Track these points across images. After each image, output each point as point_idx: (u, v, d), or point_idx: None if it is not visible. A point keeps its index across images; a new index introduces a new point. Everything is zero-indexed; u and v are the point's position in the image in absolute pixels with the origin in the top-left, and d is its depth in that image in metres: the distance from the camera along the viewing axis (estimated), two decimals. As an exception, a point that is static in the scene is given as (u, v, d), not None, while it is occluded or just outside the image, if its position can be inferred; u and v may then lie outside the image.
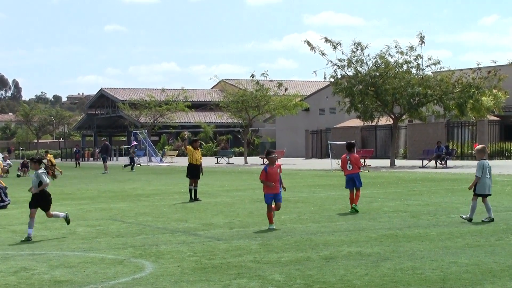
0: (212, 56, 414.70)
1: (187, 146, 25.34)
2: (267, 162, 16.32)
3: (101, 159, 54.47)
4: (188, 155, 24.80)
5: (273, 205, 16.03)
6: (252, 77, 61.75)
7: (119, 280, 10.35)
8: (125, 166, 57.11)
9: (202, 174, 24.99)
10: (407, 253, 12.07)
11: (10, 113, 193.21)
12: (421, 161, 48.25)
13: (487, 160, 16.66)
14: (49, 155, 46.84)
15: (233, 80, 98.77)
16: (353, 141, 20.50)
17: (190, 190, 24.44)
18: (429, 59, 48.81)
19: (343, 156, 19.85)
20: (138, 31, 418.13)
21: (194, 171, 24.56)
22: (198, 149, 24.92)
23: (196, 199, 24.18)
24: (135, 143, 63.85)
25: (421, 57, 48.64)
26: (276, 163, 16.14)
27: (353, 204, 18.96)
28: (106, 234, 15.78)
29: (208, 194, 27.02)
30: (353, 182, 19.31)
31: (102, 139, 68.79)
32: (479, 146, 17.06)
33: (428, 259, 11.48)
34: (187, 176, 24.77)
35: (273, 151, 16.52)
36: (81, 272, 11.05)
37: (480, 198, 16.56)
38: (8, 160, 51.44)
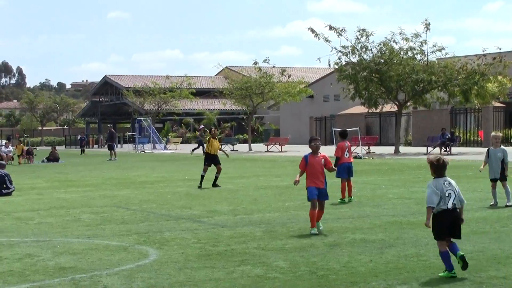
0: (215, 43, 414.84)
1: (209, 137, 25.83)
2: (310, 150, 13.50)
3: (107, 146, 54.32)
4: (209, 145, 25.34)
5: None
6: (255, 64, 61.64)
7: (123, 267, 10.37)
8: (193, 150, 57.12)
9: (227, 156, 26.62)
10: (411, 240, 12.07)
11: (15, 100, 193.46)
12: (425, 148, 48.17)
13: (501, 147, 16.87)
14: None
15: (237, 67, 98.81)
16: (348, 129, 20.18)
17: (202, 176, 24.63)
18: (434, 45, 48.71)
19: (342, 143, 18.90)
20: (142, 18, 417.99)
21: (210, 160, 24.96)
22: (216, 138, 25.44)
23: (214, 185, 24.44)
24: (202, 126, 62.90)
25: (426, 43, 48.52)
26: (321, 153, 13.42)
27: (350, 196, 18.52)
28: (111, 221, 15.80)
29: (212, 181, 27.00)
30: (349, 171, 18.70)
31: (108, 125, 68.77)
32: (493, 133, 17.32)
33: (432, 246, 11.44)
34: (205, 164, 25.05)
35: (317, 138, 13.71)
36: (85, 259, 11.06)
37: (500, 183, 16.71)
38: (10, 146, 51.44)
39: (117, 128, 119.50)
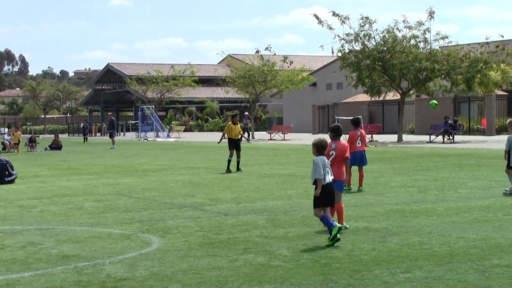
0: (218, 31, 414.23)
1: (228, 123, 27.15)
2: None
3: (108, 134, 54.38)
4: (226, 130, 26.74)
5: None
6: (257, 52, 61.55)
7: (126, 255, 10.37)
8: (241, 137, 56.31)
9: (249, 141, 26.02)
10: (414, 228, 12.06)
11: (17, 88, 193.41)
12: (428, 136, 48.13)
13: None
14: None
15: (240, 55, 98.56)
16: (360, 116, 20.01)
17: (229, 161, 25.88)
18: (437, 34, 48.58)
19: (354, 132, 18.64)
20: (144, 5, 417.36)
21: (233, 144, 26.26)
22: (237, 124, 26.81)
23: (238, 169, 25.58)
24: (247, 113, 62.45)
25: (429, 32, 48.41)
26: (342, 141, 12.55)
27: (361, 186, 18.37)
28: (113, 209, 15.81)
29: (215, 169, 27.04)
30: (361, 160, 18.57)
31: (109, 114, 68.60)
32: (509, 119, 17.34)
33: (435, 234, 11.47)
34: (229, 148, 26.31)
35: (338, 125, 12.84)
36: (88, 247, 11.07)
37: None
38: (11, 135, 51.43)
39: (120, 116, 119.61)
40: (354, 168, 18.74)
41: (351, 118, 19.96)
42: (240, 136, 26.83)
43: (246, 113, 61.91)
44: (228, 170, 25.38)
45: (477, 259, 9.51)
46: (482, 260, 9.46)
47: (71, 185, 22.02)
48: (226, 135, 26.80)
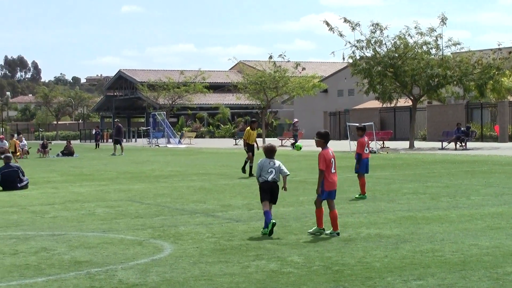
0: (228, 37, 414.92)
1: (247, 128, 27.66)
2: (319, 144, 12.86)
3: (114, 140, 53.84)
4: (246, 135, 27.20)
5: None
6: (270, 58, 61.60)
7: (138, 261, 10.38)
8: (292, 144, 54.39)
9: (258, 150, 26.90)
10: (427, 235, 12.02)
11: (30, 95, 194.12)
12: (440, 142, 48.02)
13: None
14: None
15: (251, 61, 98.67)
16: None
17: (245, 162, 26.59)
18: (449, 40, 48.49)
19: (363, 139, 18.61)
20: (155, 12, 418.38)
21: (251, 149, 26.76)
22: (255, 130, 27.38)
23: (251, 174, 25.68)
24: (296, 120, 60.58)
25: (441, 38, 48.32)
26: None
27: (364, 193, 18.24)
28: (125, 215, 15.83)
29: (227, 175, 27.04)
30: (367, 167, 18.59)
31: (115, 120, 68.55)
32: None
33: (448, 241, 11.43)
34: (247, 153, 26.84)
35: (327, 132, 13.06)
36: (100, 253, 11.09)
37: None
38: (24, 140, 51.63)
39: (131, 122, 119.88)
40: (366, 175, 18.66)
41: (358, 124, 19.90)
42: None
43: (296, 120, 60.59)
44: (250, 174, 25.72)
45: (491, 266, 9.48)
46: (495, 267, 9.42)
47: (83, 191, 22.07)
48: (245, 140, 27.24)
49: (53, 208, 17.41)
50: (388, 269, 9.47)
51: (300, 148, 14.67)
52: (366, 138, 18.83)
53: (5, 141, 50.93)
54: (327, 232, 12.36)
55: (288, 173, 12.92)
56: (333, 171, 12.44)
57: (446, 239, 11.65)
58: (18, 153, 45.30)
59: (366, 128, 19.27)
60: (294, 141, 53.73)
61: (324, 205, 12.58)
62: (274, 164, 12.77)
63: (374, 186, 20.73)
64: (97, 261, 10.48)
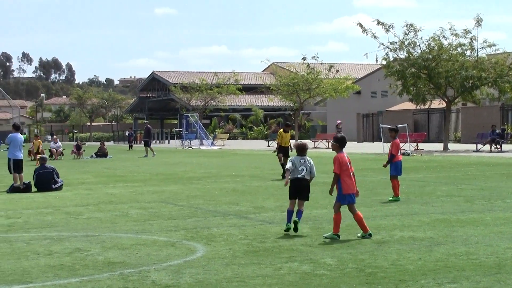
0: (261, 38, 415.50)
1: (280, 130, 27.87)
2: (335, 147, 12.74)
3: (143, 142, 53.85)
4: (278, 137, 27.30)
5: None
6: (304, 60, 61.53)
7: (171, 262, 10.41)
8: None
9: (291, 151, 26.50)
10: (461, 238, 11.92)
11: (64, 96, 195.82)
12: (475, 145, 47.63)
13: None
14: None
15: (283, 63, 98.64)
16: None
17: (282, 165, 26.32)
18: (484, 41, 48.06)
19: (397, 140, 18.51)
20: (188, 13, 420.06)
21: (283, 151, 26.83)
22: (288, 132, 27.36)
23: (284, 176, 25.38)
24: (339, 121, 59.43)
25: (476, 39, 47.95)
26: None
27: (397, 195, 18.09)
28: (158, 216, 15.88)
29: (260, 177, 27.04)
30: (401, 169, 18.43)
31: (145, 122, 68.50)
32: None
33: (482, 244, 11.32)
34: (277, 155, 27.09)
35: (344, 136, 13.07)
36: (134, 254, 11.13)
37: None
38: (58, 142, 52.06)
39: (164, 124, 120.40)
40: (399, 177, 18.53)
41: (391, 126, 19.70)
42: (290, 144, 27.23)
43: (339, 121, 59.80)
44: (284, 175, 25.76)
45: (526, 270, 9.37)
46: (531, 271, 9.30)
47: (117, 192, 22.19)
48: (278, 142, 27.26)
49: (87, 209, 17.52)
50: (421, 272, 9.40)
51: None
52: (398, 140, 18.74)
53: (59, 142, 51.56)
54: (359, 234, 12.31)
55: (315, 175, 13.15)
56: (351, 174, 12.33)
57: (481, 242, 11.54)
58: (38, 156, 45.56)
59: (399, 129, 19.09)
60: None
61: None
62: (305, 161, 12.99)
63: (408, 188, 20.60)
64: (130, 262, 10.53)
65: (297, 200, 12.93)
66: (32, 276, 9.69)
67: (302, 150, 13.16)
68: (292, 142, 26.06)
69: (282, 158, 26.60)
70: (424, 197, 18.53)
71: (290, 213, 12.87)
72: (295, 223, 12.64)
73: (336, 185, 12.39)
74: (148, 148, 50.70)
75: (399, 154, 18.54)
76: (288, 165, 13.10)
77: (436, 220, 14.22)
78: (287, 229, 12.70)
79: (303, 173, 12.88)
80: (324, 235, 12.40)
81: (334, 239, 12.09)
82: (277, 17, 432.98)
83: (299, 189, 12.88)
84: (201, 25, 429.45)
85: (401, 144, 48.16)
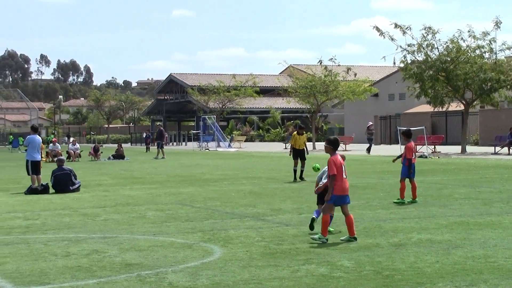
0: (279, 41, 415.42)
1: (294, 133, 27.78)
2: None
3: (156, 144, 53.89)
4: (292, 140, 27.18)
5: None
6: (320, 63, 61.47)
7: (188, 264, 10.42)
8: (368, 149, 50.73)
9: (307, 154, 27.12)
10: (479, 241, 11.86)
11: (82, 98, 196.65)
12: (493, 147, 47.40)
13: None
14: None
15: (301, 65, 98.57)
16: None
17: (294, 171, 26.33)
18: (503, 44, 47.85)
19: (411, 143, 18.44)
20: (206, 15, 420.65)
21: (297, 154, 26.63)
22: (303, 135, 27.26)
23: (301, 178, 26.00)
24: (371, 123, 56.63)
25: (495, 41, 47.72)
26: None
27: (415, 198, 18.01)
28: (175, 218, 15.91)
29: (277, 179, 27.04)
30: (414, 171, 18.37)
31: (157, 124, 68.46)
32: None
33: (501, 247, 11.27)
34: (293, 158, 26.80)
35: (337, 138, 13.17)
36: (151, 256, 11.16)
37: None
38: (76, 144, 52.25)
39: (181, 126, 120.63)
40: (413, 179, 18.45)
41: (404, 129, 19.58)
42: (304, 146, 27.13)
43: (371, 123, 58.44)
44: (295, 180, 25.82)
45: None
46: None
47: (134, 194, 22.25)
48: (291, 145, 27.15)
49: (104, 211, 17.58)
50: (439, 274, 9.37)
51: (318, 169, 14.78)
52: (413, 143, 18.68)
53: (58, 144, 51.60)
54: (343, 238, 12.29)
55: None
56: (344, 176, 12.29)
57: (499, 245, 11.48)
58: (44, 159, 45.66)
59: (411, 133, 18.95)
60: (369, 145, 51.15)
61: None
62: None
63: (425, 191, 20.54)
64: (147, 263, 10.55)
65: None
66: (49, 278, 9.72)
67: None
68: (310, 148, 25.94)
69: (297, 163, 26.48)
70: (442, 200, 18.46)
71: (317, 212, 13.29)
72: (312, 219, 13.22)
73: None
74: (160, 150, 50.88)
75: (413, 157, 18.40)
76: (319, 176, 13.61)
77: (454, 222, 14.17)
78: (311, 226, 13.23)
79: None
80: (313, 236, 12.32)
81: (322, 242, 11.99)
82: (294, 19, 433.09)
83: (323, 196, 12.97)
84: (219, 27, 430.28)
85: (419, 147, 48.25)
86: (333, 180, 12.21)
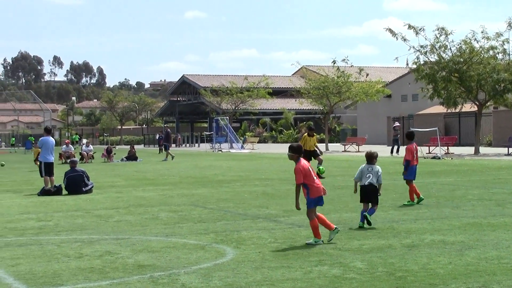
0: (291, 42, 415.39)
1: (304, 134, 27.69)
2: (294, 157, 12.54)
3: (163, 146, 53.49)
4: (302, 141, 27.03)
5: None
6: (334, 63, 61.41)
7: (201, 265, 10.43)
8: (393, 151, 49.69)
9: (321, 154, 27.11)
10: (492, 242, 11.82)
11: (95, 100, 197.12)
12: (506, 148, 47.22)
13: None
14: None
15: (314, 66, 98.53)
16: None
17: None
18: (517, 44, 47.64)
19: (411, 145, 18.43)
20: (218, 17, 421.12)
21: (308, 156, 25.88)
22: (313, 136, 27.19)
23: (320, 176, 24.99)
24: (397, 124, 54.92)
25: (508, 42, 47.54)
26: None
27: (419, 197, 17.97)
28: (188, 219, 15.93)
29: (289, 180, 27.01)
30: (415, 174, 18.39)
31: (164, 125, 68.20)
32: None
33: (514, 248, 11.22)
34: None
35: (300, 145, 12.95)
36: (164, 257, 11.17)
37: None
38: (90, 146, 52.41)
39: (194, 127, 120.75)
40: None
41: (407, 132, 19.50)
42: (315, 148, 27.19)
43: (397, 124, 56.18)
44: None
45: (558, 274, 9.26)
46: None
47: (147, 195, 22.28)
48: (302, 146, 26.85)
49: (117, 212, 17.62)
50: (452, 276, 9.34)
51: (323, 172, 15.08)
52: (414, 145, 18.60)
53: (71, 146, 51.78)
54: (308, 241, 12.15)
55: (381, 182, 14.18)
56: (315, 178, 12.27)
57: (512, 246, 11.44)
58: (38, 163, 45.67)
59: (413, 134, 18.93)
60: (396, 146, 49.87)
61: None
62: (373, 169, 14.08)
63: (438, 192, 20.49)
64: (160, 265, 10.56)
65: (369, 204, 14.08)
66: (62, 279, 9.75)
67: (370, 159, 14.23)
68: (323, 149, 25.86)
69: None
70: (455, 201, 18.41)
71: (362, 213, 13.97)
72: (366, 217, 13.78)
73: (304, 193, 12.29)
74: (167, 152, 50.84)
75: (413, 159, 18.33)
76: (356, 175, 14.26)
77: (467, 224, 14.12)
78: (359, 227, 13.77)
79: (369, 180, 13.98)
80: (307, 241, 12.22)
81: (319, 244, 11.92)
82: (307, 21, 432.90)
83: (367, 194, 14.03)
84: (231, 28, 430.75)
85: (432, 148, 48.06)
86: (298, 189, 12.27)
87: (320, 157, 27.02)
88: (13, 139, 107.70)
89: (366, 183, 14.02)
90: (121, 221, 15.93)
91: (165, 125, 69.74)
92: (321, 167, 25.57)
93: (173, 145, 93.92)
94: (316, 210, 12.36)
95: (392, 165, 35.36)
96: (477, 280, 9.06)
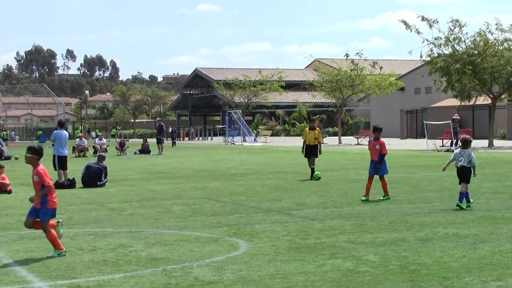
0: (304, 35, 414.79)
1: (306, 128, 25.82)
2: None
3: (156, 140, 52.81)
4: (304, 136, 25.40)
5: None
6: (347, 57, 61.26)
7: (214, 259, 10.43)
8: (452, 144, 45.93)
9: (320, 153, 25.26)
10: (506, 235, 11.77)
11: (108, 93, 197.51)
12: (520, 141, 46.96)
13: None
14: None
15: (326, 59, 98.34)
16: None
17: (312, 169, 24.51)
18: (531, 36, 47.33)
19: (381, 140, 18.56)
20: (231, 10, 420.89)
21: (308, 151, 24.97)
22: (315, 130, 25.16)
23: (311, 178, 24.14)
24: (456, 116, 49.93)
25: (523, 34, 47.22)
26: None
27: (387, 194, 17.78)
28: (201, 212, 15.94)
29: (302, 174, 26.98)
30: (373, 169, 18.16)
31: (157, 119, 67.64)
32: None
33: (528, 242, 11.17)
34: (304, 156, 25.27)
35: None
36: (176, 250, 11.18)
37: None
38: (103, 139, 52.45)
39: (207, 121, 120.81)
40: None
41: (375, 125, 19.34)
42: (318, 142, 25.16)
43: (456, 115, 54.01)
44: (311, 178, 24.13)
45: None
46: None
47: (160, 188, 22.31)
48: (304, 141, 25.39)
49: (130, 206, 17.65)
50: (466, 269, 9.30)
51: (319, 178, 14.92)
52: (381, 140, 18.53)
53: (84, 139, 51.87)
54: (50, 254, 11.02)
55: (475, 163, 15.91)
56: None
57: (526, 239, 11.38)
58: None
59: (382, 129, 18.84)
60: (455, 140, 44.84)
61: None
62: (464, 153, 15.77)
63: (452, 185, 20.41)
64: (173, 258, 10.57)
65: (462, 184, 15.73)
66: (76, 272, 9.78)
67: (465, 144, 15.92)
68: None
69: (309, 160, 24.83)
70: (469, 194, 18.30)
71: (461, 194, 15.64)
72: (466, 196, 15.64)
73: (38, 202, 11.21)
74: (160, 146, 50.51)
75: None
76: (451, 157, 16.12)
77: (480, 217, 14.07)
78: (457, 205, 15.52)
79: (461, 163, 15.67)
80: (48, 254, 11.03)
81: (62, 256, 10.91)
82: (320, 14, 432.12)
83: (460, 175, 15.78)
84: (244, 22, 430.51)
85: (445, 141, 47.72)
86: (48, 191, 11.25)
87: (314, 158, 24.84)
88: (40, 132, 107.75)
89: (459, 165, 15.73)
90: (134, 214, 15.96)
91: (158, 119, 69.26)
92: (317, 172, 23.88)
93: (187, 138, 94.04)
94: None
95: (406, 158, 35.28)
96: (491, 273, 9.03)
